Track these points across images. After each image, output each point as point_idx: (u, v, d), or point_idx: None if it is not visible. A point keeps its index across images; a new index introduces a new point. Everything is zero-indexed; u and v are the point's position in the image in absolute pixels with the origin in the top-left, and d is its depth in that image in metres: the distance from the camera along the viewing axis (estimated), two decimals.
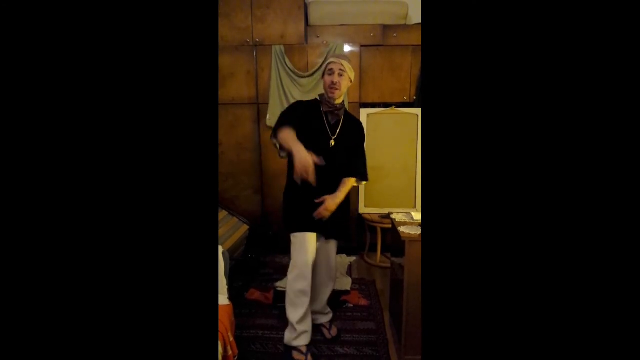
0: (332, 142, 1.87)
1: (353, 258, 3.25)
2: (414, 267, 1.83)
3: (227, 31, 3.05)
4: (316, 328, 2.11)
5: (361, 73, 3.07)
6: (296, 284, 1.89)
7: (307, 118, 1.86)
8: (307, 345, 1.96)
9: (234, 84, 3.12)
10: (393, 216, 2.16)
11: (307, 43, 3.09)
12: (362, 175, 1.99)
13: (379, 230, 3.10)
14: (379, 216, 3.09)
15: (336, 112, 1.88)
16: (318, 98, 1.91)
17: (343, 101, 1.91)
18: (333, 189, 1.88)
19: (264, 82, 3.10)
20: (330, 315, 2.20)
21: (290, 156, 1.80)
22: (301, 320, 1.92)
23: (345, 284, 2.71)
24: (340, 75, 1.80)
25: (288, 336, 1.98)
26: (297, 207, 1.91)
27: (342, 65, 1.80)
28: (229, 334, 1.69)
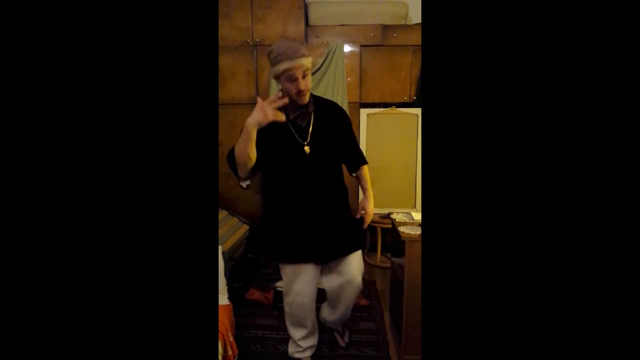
0: (307, 149, 1.57)
1: None
2: (414, 267, 1.82)
3: (227, 31, 3.05)
4: (329, 331, 2.02)
5: (361, 73, 3.08)
6: (293, 312, 1.75)
7: (272, 136, 1.53)
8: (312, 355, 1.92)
9: (234, 84, 3.12)
10: (393, 216, 2.16)
11: (307, 43, 3.09)
12: (362, 159, 1.78)
13: (379, 230, 3.10)
14: (378, 216, 3.09)
15: (305, 112, 1.58)
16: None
17: (310, 94, 1.59)
18: (319, 202, 1.61)
19: (264, 82, 3.10)
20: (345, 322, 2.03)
21: (263, 170, 1.60)
22: (304, 338, 1.83)
23: None
24: (304, 76, 1.47)
25: (291, 349, 1.89)
26: (282, 231, 1.66)
27: (304, 65, 1.45)
28: (229, 333, 1.69)
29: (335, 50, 3.00)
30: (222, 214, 3.02)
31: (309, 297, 1.71)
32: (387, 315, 2.39)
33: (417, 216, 2.10)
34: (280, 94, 1.52)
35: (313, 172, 1.60)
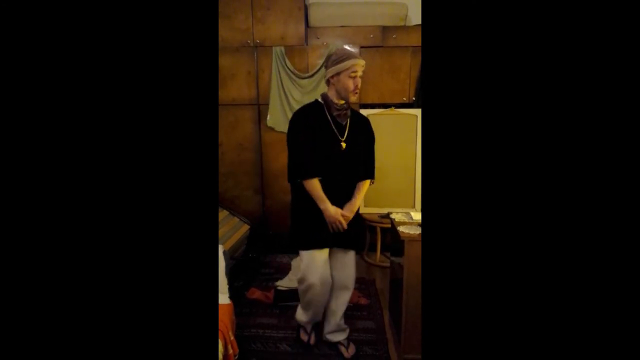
0: (343, 145, 1.77)
1: None
2: (413, 267, 1.83)
3: (227, 32, 3.07)
4: (333, 346, 2.06)
5: None
6: (307, 295, 1.93)
7: (315, 126, 1.76)
8: (313, 326, 2.08)
9: (234, 85, 3.13)
10: (392, 216, 2.17)
11: (307, 44, 3.10)
12: (371, 174, 1.89)
13: (378, 229, 3.11)
14: (378, 216, 3.10)
15: (345, 112, 1.78)
16: (321, 100, 1.80)
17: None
18: (348, 194, 1.82)
19: (264, 83, 3.11)
20: (347, 332, 2.06)
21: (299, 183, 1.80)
22: (307, 314, 2.02)
23: None
24: (361, 76, 1.70)
25: (298, 316, 2.09)
26: (307, 223, 1.84)
27: (362, 65, 1.69)
28: (230, 332, 1.70)
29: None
30: (223, 214, 3.03)
31: (320, 284, 1.86)
32: (386, 314, 2.40)
33: (417, 216, 2.11)
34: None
35: (346, 165, 1.79)
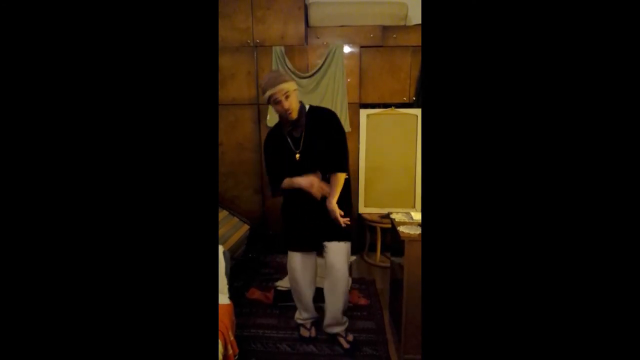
0: (297, 156, 1.91)
1: (353, 257, 3.26)
2: (414, 267, 1.83)
3: (227, 32, 3.06)
4: (332, 338, 2.13)
5: (361, 74, 3.08)
6: (290, 286, 2.19)
7: (273, 146, 1.98)
8: (313, 323, 2.22)
9: (234, 85, 3.13)
10: (392, 216, 2.16)
11: (307, 44, 3.09)
12: (338, 167, 1.91)
13: (378, 230, 3.11)
14: (378, 216, 3.10)
15: (298, 124, 1.89)
16: (280, 120, 1.94)
17: (301, 108, 1.89)
18: (318, 202, 1.89)
19: None
20: (346, 324, 2.12)
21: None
22: (303, 310, 2.18)
23: None
24: (287, 97, 1.79)
25: (297, 315, 2.24)
26: (287, 226, 2.08)
27: (284, 88, 1.78)
28: (230, 333, 1.69)
29: (335, 51, 3.01)
30: (223, 214, 3.03)
31: (295, 281, 2.11)
32: (386, 315, 2.40)
33: (417, 216, 2.10)
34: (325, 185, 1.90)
35: (302, 174, 1.90)
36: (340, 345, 2.08)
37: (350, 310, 2.44)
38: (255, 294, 2.62)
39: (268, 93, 1.80)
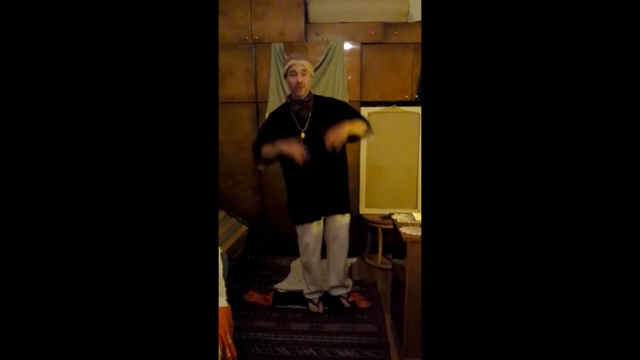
0: (303, 134, 2.08)
1: (354, 259, 3.22)
2: (416, 269, 1.80)
3: (226, 29, 3.02)
4: (335, 300, 2.38)
5: (362, 71, 3.04)
6: (302, 260, 2.37)
7: (279, 125, 2.12)
8: (320, 297, 2.41)
9: (232, 83, 3.09)
10: (394, 217, 2.13)
11: (307, 41, 3.05)
12: (362, 118, 2.11)
13: (379, 231, 3.06)
14: (379, 217, 3.05)
15: (306, 105, 2.10)
16: (287, 100, 2.16)
17: (310, 92, 2.13)
18: (322, 177, 2.10)
19: (263, 80, 3.07)
20: (349, 287, 2.41)
21: (280, 160, 2.13)
22: (311, 283, 2.37)
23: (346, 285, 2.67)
24: (303, 74, 2.02)
25: (305, 290, 2.43)
26: (294, 202, 2.24)
27: (304, 65, 2.02)
28: (228, 336, 1.66)
29: (335, 48, 2.97)
30: (221, 215, 2.99)
31: (308, 250, 2.29)
32: (388, 317, 2.36)
33: (419, 217, 2.07)
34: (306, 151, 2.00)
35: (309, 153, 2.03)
36: (342, 305, 2.35)
37: (351, 312, 2.41)
38: (253, 296, 2.59)
39: (289, 63, 2.02)
